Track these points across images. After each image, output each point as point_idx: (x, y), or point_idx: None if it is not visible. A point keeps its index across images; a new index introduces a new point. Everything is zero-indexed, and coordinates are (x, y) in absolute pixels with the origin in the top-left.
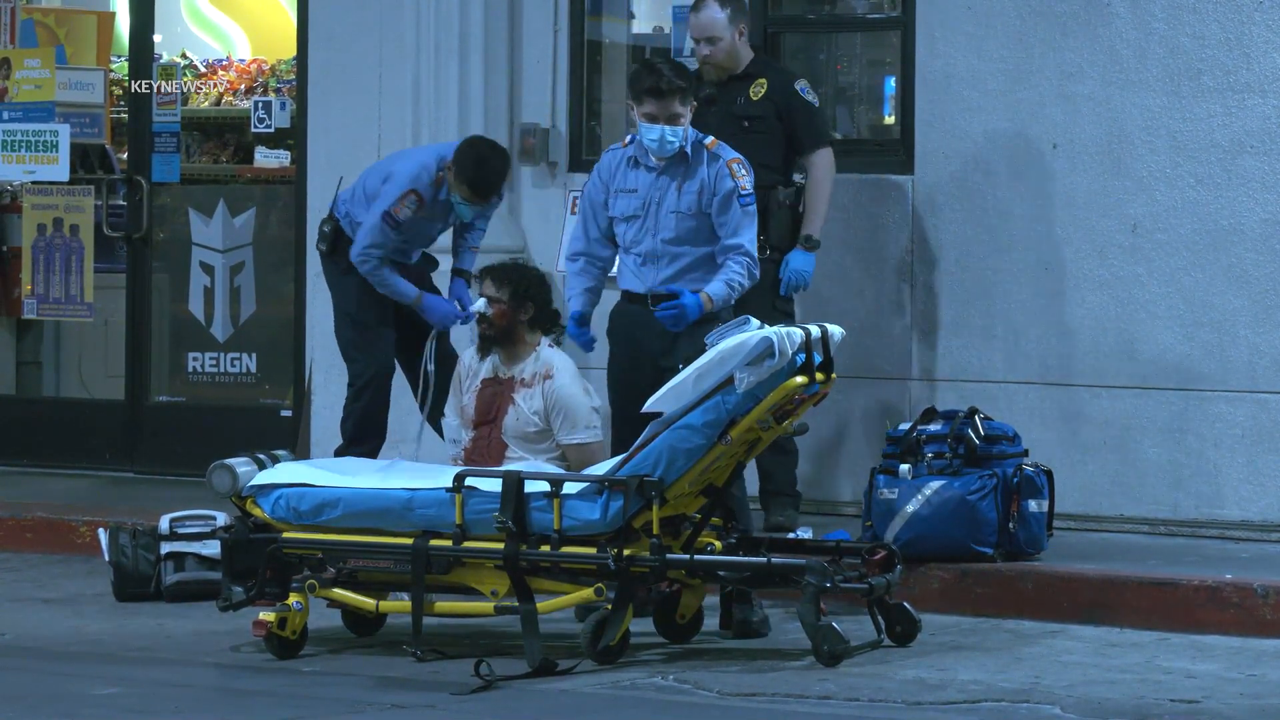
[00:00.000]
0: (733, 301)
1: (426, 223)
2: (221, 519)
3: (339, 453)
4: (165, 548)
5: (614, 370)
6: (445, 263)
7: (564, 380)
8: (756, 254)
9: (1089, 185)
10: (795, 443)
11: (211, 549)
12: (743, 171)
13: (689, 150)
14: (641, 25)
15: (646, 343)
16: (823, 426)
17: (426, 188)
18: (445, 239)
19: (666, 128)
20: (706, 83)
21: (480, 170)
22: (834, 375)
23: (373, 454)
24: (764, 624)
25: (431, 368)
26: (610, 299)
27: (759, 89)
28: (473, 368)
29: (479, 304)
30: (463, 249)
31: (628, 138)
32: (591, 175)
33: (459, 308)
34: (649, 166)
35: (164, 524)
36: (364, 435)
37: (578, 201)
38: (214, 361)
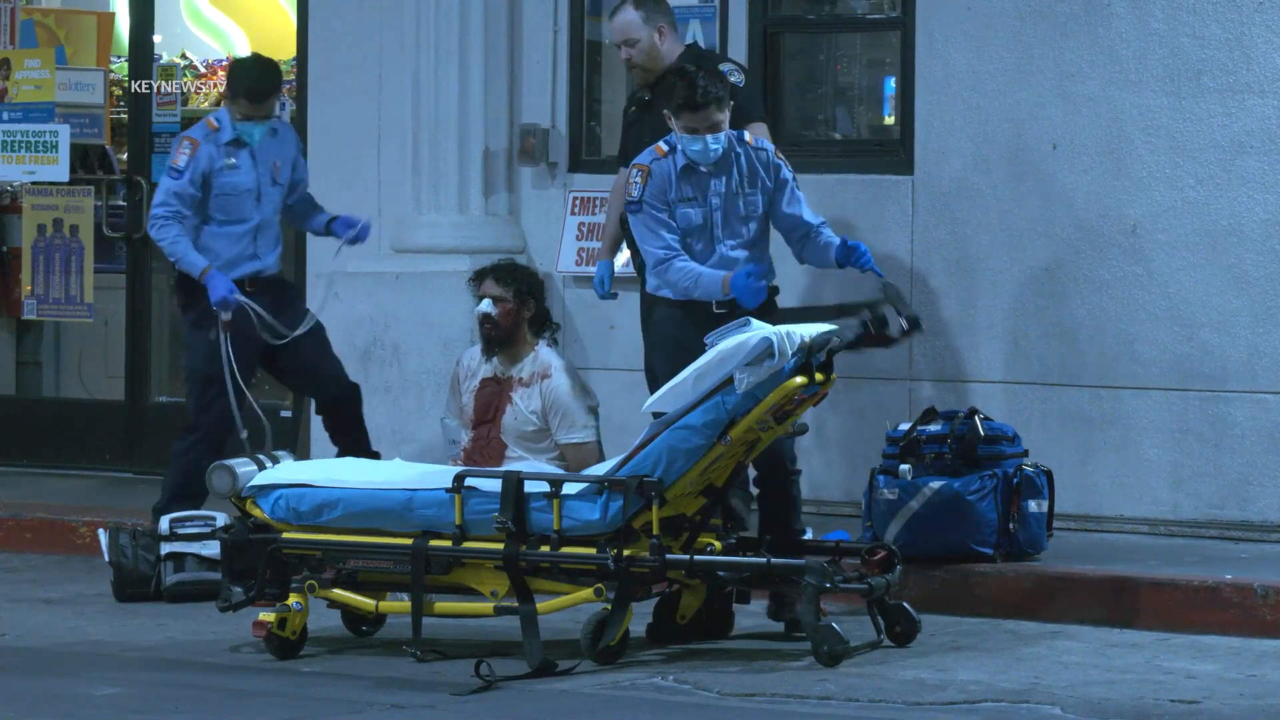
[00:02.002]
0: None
1: (230, 174)
2: (221, 519)
3: (158, 510)
4: (165, 548)
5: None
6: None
7: (562, 380)
8: None
9: (1089, 185)
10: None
11: (211, 549)
12: (783, 157)
13: (736, 149)
14: None
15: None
16: (823, 426)
17: (201, 132)
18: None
19: (709, 137)
20: (638, 87)
21: (249, 69)
22: (834, 376)
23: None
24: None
25: (229, 367)
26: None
27: None
28: (470, 368)
29: (483, 305)
30: (307, 212)
31: (663, 144)
32: (646, 188)
33: (363, 228)
34: (701, 171)
35: (164, 524)
36: (186, 492)
37: (617, 209)
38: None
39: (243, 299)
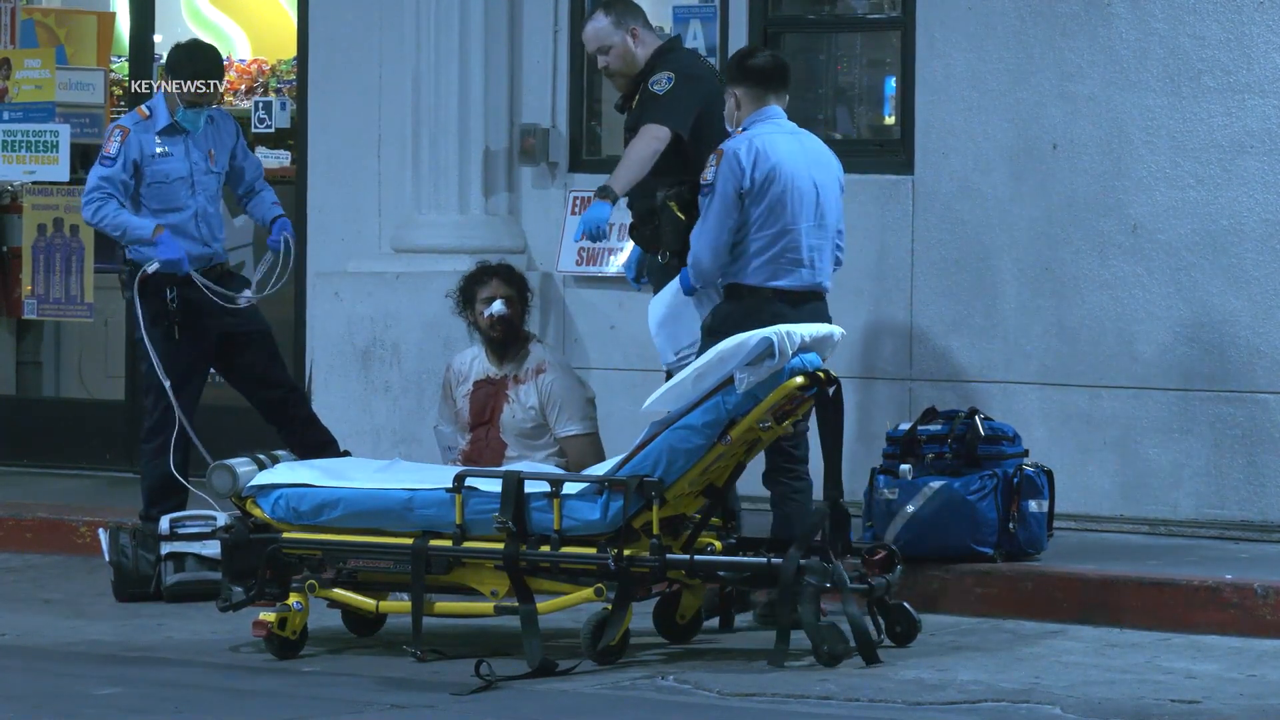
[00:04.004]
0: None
1: (162, 162)
2: (222, 519)
3: (142, 517)
4: (165, 548)
5: None
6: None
7: (558, 374)
8: (692, 246)
9: (1089, 185)
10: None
11: (212, 549)
12: (711, 161)
13: None
14: None
15: None
16: None
17: (132, 119)
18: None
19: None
20: (621, 96)
21: (201, 51)
22: (834, 376)
23: (179, 506)
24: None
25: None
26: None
27: (640, 94)
28: (461, 372)
29: (496, 306)
30: (255, 200)
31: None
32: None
33: (285, 243)
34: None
35: (164, 524)
36: (162, 494)
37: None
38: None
39: (192, 271)
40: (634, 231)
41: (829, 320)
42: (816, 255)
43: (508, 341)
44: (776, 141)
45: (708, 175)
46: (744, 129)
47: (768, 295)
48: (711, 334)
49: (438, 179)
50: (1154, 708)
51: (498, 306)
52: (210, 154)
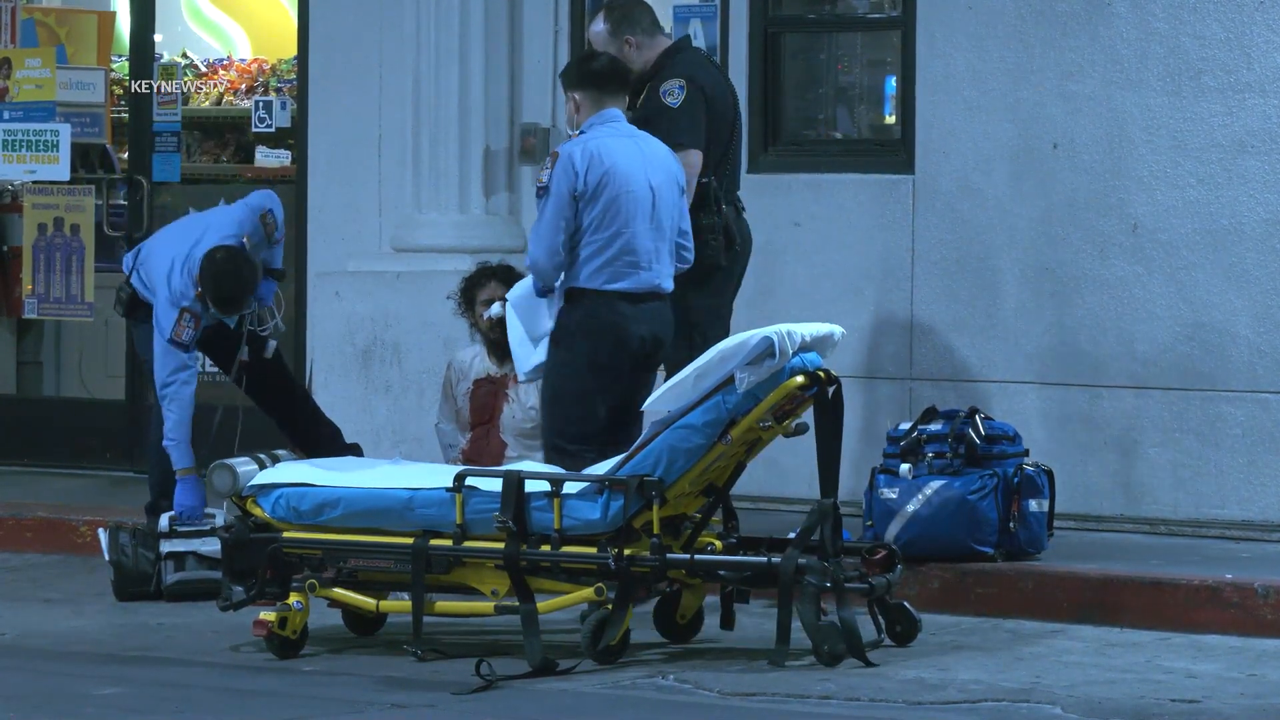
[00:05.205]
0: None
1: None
2: (221, 517)
3: (150, 509)
4: (165, 547)
5: None
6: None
7: None
8: (529, 248)
9: (1089, 185)
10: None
11: (211, 547)
12: (547, 163)
13: None
14: None
15: None
16: None
17: (192, 302)
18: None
19: None
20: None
21: (219, 284)
22: (835, 375)
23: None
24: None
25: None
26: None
27: (647, 97)
28: (462, 370)
29: (495, 308)
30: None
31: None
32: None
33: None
34: None
35: (164, 523)
36: (171, 488)
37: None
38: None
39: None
40: None
41: (669, 321)
42: (654, 257)
43: (503, 345)
44: (612, 145)
45: (543, 177)
46: (582, 132)
47: (607, 298)
48: (555, 344)
49: (438, 179)
50: (1154, 708)
51: (496, 309)
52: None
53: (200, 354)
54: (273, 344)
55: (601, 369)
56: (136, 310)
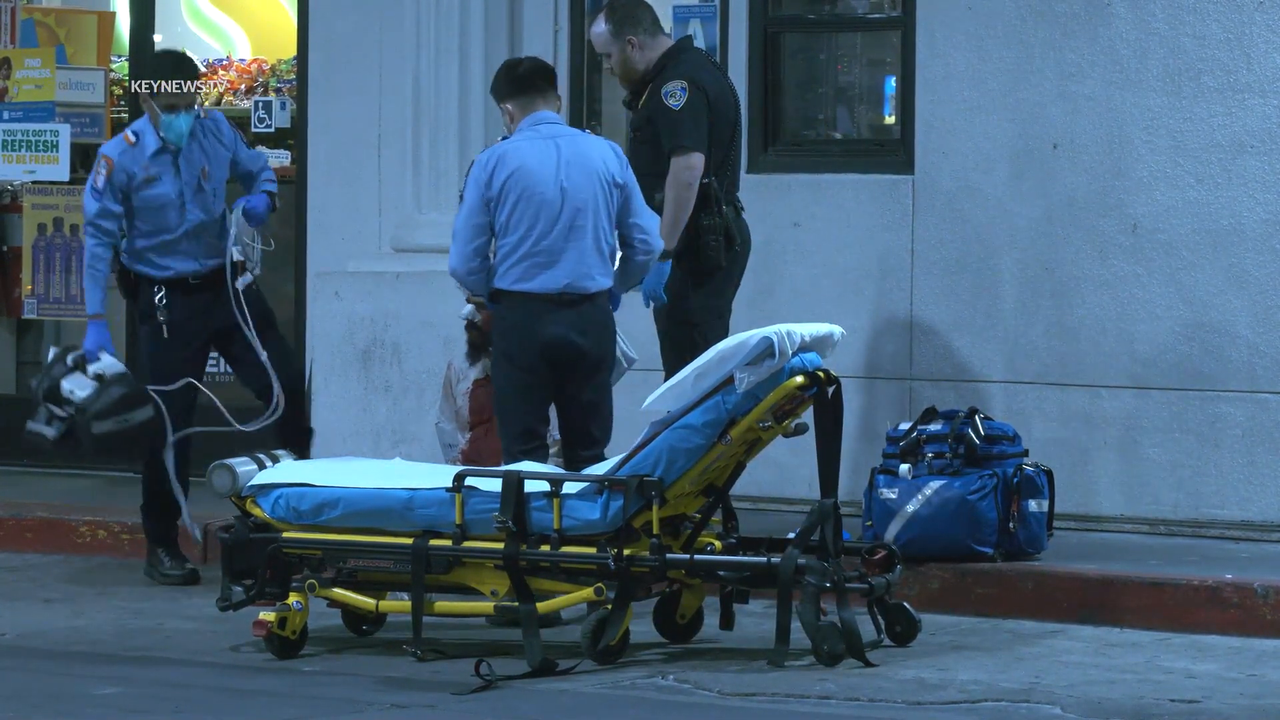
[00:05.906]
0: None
1: (151, 187)
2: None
3: (144, 509)
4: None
5: None
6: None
7: None
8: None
9: (1089, 185)
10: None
11: (80, 385)
12: (468, 169)
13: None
14: None
15: None
16: None
17: (118, 149)
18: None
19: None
20: (629, 93)
21: (155, 57)
22: (834, 376)
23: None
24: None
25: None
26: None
27: (649, 97)
28: (461, 370)
29: (466, 310)
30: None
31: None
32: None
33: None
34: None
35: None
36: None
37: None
38: (214, 361)
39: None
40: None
41: (606, 321)
42: (567, 258)
43: (481, 345)
44: (524, 148)
45: (465, 183)
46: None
47: (518, 298)
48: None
49: (438, 179)
50: (1154, 708)
51: (466, 311)
52: (204, 171)
53: (115, 226)
54: (245, 278)
55: (516, 368)
56: (126, 281)
